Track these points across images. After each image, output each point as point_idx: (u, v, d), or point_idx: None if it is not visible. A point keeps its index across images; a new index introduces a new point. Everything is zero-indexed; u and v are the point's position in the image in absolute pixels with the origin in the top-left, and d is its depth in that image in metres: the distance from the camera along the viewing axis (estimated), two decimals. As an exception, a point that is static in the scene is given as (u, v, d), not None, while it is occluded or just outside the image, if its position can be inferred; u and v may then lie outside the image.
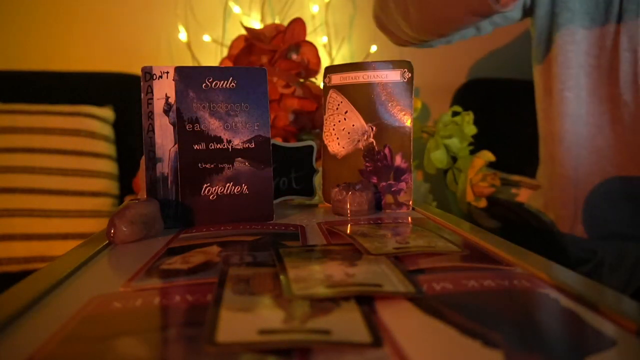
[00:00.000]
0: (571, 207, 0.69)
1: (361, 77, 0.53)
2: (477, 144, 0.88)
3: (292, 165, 0.53)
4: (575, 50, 0.68)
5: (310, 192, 0.54)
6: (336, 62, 1.23)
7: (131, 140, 1.06)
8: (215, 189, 0.45)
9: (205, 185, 0.45)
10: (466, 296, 0.26)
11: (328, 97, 0.55)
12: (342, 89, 0.54)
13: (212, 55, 1.22)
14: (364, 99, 0.53)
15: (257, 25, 1.19)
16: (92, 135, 0.98)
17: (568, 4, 0.68)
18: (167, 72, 0.44)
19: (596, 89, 0.67)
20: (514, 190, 0.89)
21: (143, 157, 0.44)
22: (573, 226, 0.69)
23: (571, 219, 0.69)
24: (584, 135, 0.68)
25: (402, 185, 0.52)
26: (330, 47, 1.24)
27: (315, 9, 1.23)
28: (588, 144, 0.68)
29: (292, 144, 0.54)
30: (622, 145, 0.66)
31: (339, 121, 0.54)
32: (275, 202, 0.49)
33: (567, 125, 0.68)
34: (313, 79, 0.87)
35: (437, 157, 0.85)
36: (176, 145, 0.44)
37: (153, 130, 0.44)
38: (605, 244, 0.67)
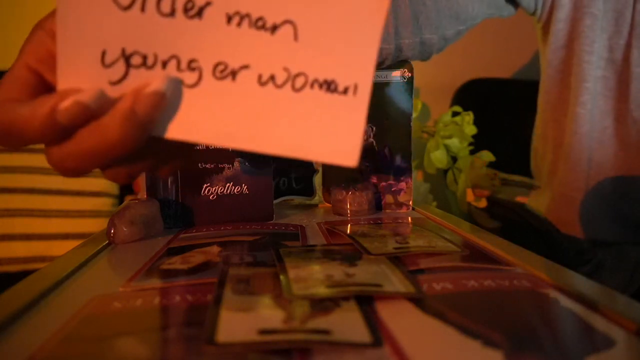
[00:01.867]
0: (574, 217, 0.68)
1: (361, 77, 0.53)
2: (477, 144, 0.88)
3: (292, 165, 0.53)
4: (591, 62, 0.63)
5: (310, 192, 0.54)
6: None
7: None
8: (215, 189, 0.45)
9: (205, 185, 0.45)
10: (466, 296, 0.26)
11: (328, 97, 0.54)
12: (342, 89, 0.54)
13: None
14: (364, 99, 0.53)
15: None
16: (92, 135, 0.98)
17: (591, 8, 0.62)
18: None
19: (599, 101, 0.64)
20: (514, 190, 0.89)
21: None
22: (573, 228, 0.69)
23: (572, 224, 0.68)
24: (593, 148, 0.65)
25: (402, 185, 0.52)
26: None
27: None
28: (593, 156, 0.65)
29: (292, 144, 0.54)
30: (624, 164, 0.63)
31: (339, 121, 0.54)
32: (275, 202, 0.49)
33: (575, 141, 0.65)
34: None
35: (437, 157, 0.85)
36: (176, 145, 0.44)
37: (153, 130, 0.44)
38: (605, 245, 0.67)
